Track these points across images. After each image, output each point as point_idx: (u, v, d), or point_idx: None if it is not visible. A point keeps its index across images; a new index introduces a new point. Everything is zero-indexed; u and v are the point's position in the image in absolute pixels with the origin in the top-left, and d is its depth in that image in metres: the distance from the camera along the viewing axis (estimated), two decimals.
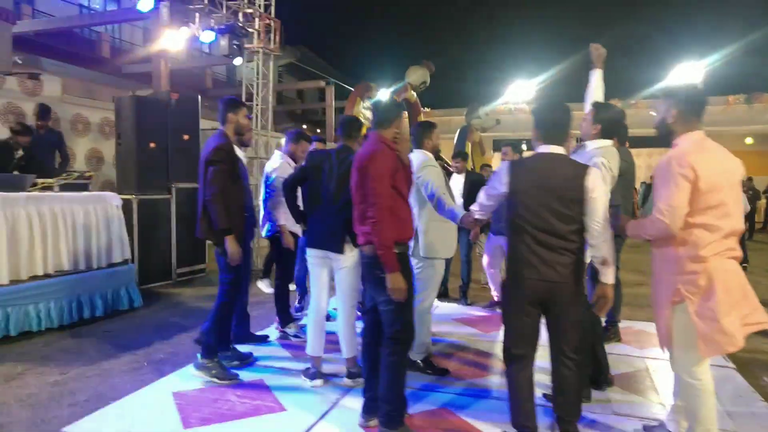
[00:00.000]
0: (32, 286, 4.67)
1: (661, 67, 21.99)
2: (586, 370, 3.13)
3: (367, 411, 3.03)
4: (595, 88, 3.59)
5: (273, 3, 8.05)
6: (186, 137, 7.35)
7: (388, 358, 2.86)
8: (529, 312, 2.66)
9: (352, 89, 21.51)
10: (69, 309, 4.92)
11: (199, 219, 3.69)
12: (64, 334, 4.73)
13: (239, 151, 4.10)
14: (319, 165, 3.56)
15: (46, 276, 4.85)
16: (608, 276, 2.70)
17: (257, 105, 8.30)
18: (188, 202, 6.96)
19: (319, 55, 27.35)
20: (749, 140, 18.24)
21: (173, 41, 9.87)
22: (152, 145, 6.88)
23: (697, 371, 2.56)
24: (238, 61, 6.99)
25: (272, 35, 8.12)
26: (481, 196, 2.90)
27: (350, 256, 3.47)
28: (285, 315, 4.83)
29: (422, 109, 16.71)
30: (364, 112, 12.84)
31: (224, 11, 7.29)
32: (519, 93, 18.54)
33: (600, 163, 3.00)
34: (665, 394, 3.52)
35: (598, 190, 2.59)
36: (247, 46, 7.57)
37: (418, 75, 14.51)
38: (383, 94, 11.43)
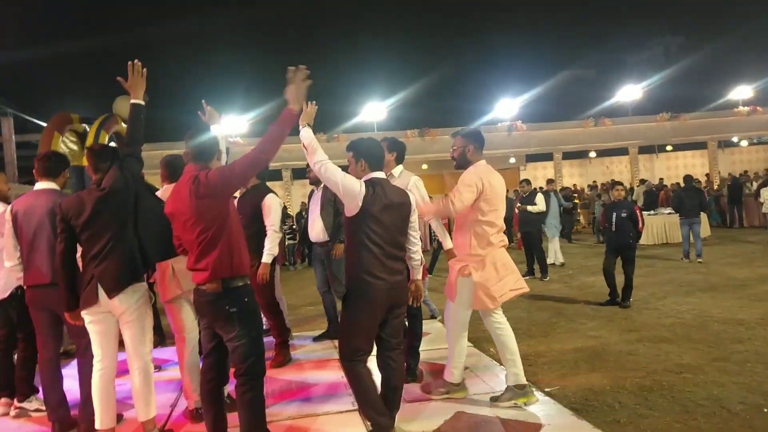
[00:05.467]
0: None
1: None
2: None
3: None
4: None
5: None
6: None
7: (245, 396, 2.78)
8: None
9: (37, 122, 18.50)
10: None
11: None
12: None
13: None
14: (78, 210, 3.17)
15: None
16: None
17: None
18: None
19: None
20: (425, 166, 22.33)
21: None
22: None
23: (499, 318, 3.74)
24: None
25: None
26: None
27: (134, 304, 3.21)
28: (28, 386, 4.05)
29: None
30: (63, 146, 11.31)
31: None
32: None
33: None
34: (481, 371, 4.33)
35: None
36: None
37: (127, 107, 13.44)
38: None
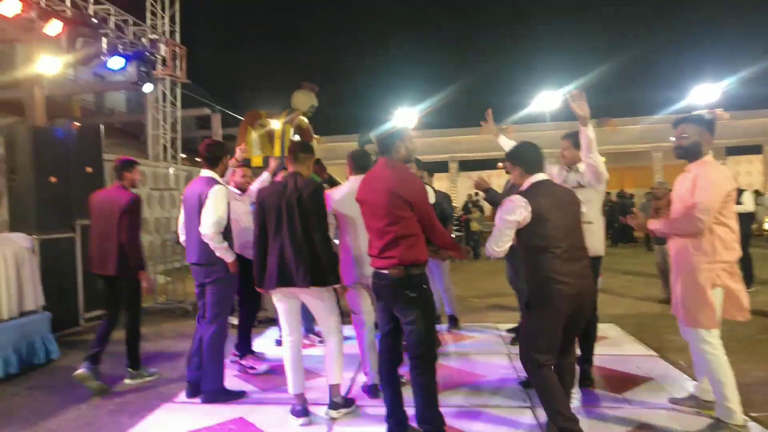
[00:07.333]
0: None
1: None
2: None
3: None
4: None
5: (177, 29, 7.79)
6: (89, 170, 6.78)
7: (419, 378, 2.93)
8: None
9: (236, 116, 21.05)
10: None
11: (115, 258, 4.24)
12: None
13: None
14: (274, 199, 3.48)
15: None
16: None
17: (164, 134, 7.90)
18: None
19: (195, 83, 26.37)
20: (603, 159, 20.84)
21: (49, 66, 9.05)
22: (53, 179, 6.25)
23: (717, 342, 3.18)
24: (148, 87, 6.64)
25: (178, 62, 7.83)
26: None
27: (318, 290, 3.46)
28: (246, 346, 4.71)
29: (314, 135, 16.87)
30: (254, 138, 12.68)
31: (131, 36, 6.91)
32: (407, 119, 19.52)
33: None
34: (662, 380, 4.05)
35: None
36: (153, 72, 7.22)
37: (304, 99, 14.51)
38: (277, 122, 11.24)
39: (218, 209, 3.73)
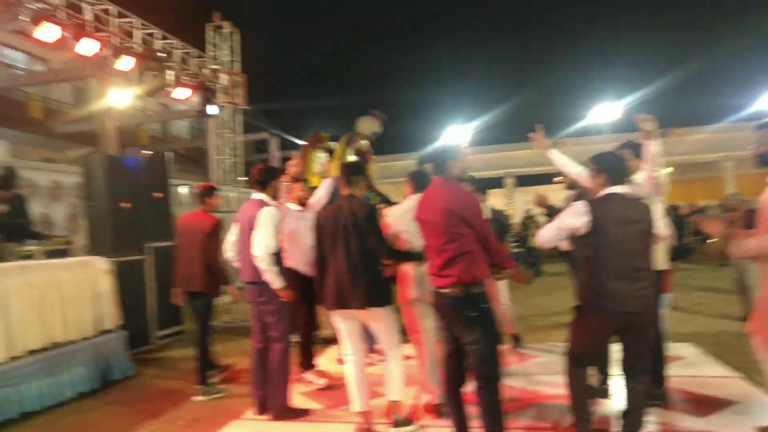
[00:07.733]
0: (27, 362, 4.33)
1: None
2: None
3: None
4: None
5: (238, 59, 8.15)
6: (157, 195, 7.14)
7: (485, 399, 2.89)
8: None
9: (294, 140, 21.61)
10: (65, 384, 4.56)
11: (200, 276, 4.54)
12: (65, 412, 4.36)
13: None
14: (330, 223, 3.50)
15: (42, 350, 4.52)
16: None
17: (225, 158, 8.22)
18: (165, 262, 6.66)
19: (256, 109, 27.38)
20: (670, 169, 20.01)
21: (120, 99, 9.63)
22: (127, 205, 6.61)
23: None
24: (214, 110, 7.00)
25: (238, 89, 8.17)
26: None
27: (375, 311, 3.45)
28: (307, 361, 4.76)
29: (371, 156, 17.03)
30: (317, 161, 12.90)
31: (194, 68, 7.29)
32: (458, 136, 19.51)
33: None
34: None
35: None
36: (215, 100, 7.58)
37: (367, 125, 14.75)
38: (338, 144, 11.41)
39: (266, 232, 3.81)
